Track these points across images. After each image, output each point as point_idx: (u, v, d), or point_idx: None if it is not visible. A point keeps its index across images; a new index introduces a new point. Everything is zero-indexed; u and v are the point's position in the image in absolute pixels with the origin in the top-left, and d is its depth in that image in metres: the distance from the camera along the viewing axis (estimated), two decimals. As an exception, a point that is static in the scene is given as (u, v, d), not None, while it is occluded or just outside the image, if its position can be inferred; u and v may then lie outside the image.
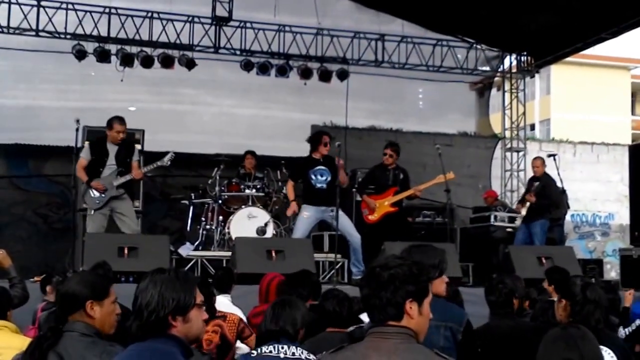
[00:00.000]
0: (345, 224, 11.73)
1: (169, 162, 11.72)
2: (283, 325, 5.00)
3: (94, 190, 11.07)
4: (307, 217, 11.77)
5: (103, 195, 11.04)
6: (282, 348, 4.89)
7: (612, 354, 4.94)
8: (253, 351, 4.99)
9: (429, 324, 4.50)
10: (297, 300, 5.39)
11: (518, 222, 14.73)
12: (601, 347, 4.76)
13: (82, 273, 4.98)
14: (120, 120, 11.37)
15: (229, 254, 11.66)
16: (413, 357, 3.26)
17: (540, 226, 13.63)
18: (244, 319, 7.25)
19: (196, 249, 13.25)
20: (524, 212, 13.96)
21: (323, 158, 11.76)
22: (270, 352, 4.86)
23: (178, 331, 3.50)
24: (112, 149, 11.28)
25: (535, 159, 14.49)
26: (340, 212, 11.51)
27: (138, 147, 13.59)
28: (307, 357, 4.88)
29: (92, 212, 11.15)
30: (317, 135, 12.10)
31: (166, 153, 11.85)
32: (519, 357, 5.18)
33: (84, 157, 11.30)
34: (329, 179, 11.66)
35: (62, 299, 4.26)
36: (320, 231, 13.99)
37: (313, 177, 11.70)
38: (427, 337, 4.39)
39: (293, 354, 4.86)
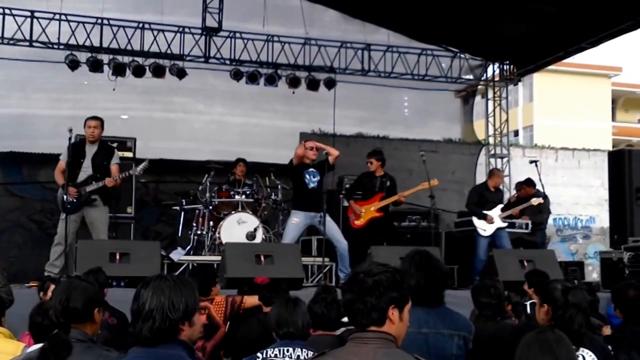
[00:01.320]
0: (333, 230, 11.97)
1: (141, 172, 11.78)
2: (289, 326, 5.07)
3: (67, 196, 11.02)
4: (296, 223, 12.00)
5: (75, 200, 11.01)
6: (288, 351, 4.93)
7: (593, 356, 5.04)
8: (259, 354, 4.95)
9: (443, 333, 4.80)
10: (299, 299, 5.45)
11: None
12: (583, 349, 5.00)
13: (84, 284, 5.00)
14: (94, 117, 11.42)
15: (219, 258, 11.72)
16: None
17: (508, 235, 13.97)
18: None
19: (187, 254, 13.45)
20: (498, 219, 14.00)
21: (314, 161, 12.12)
22: (276, 355, 4.91)
23: (185, 335, 3.57)
24: (90, 151, 11.27)
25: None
26: (328, 218, 11.78)
27: (130, 155, 13.85)
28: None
29: (64, 216, 11.08)
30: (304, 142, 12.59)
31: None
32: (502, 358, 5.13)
33: (62, 159, 11.29)
34: (320, 179, 12.04)
35: (73, 311, 4.29)
36: (308, 236, 14.13)
37: (307, 176, 11.99)
38: (442, 346, 4.66)
39: (298, 357, 4.91)
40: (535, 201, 13.98)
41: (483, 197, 14.06)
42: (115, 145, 14.10)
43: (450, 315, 4.97)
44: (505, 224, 13.81)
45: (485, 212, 13.75)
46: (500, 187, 14.62)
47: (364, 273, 3.47)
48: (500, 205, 13.93)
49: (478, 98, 20.90)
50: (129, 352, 3.67)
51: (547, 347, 3.87)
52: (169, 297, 3.51)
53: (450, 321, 4.86)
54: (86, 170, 11.19)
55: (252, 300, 7.49)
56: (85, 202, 11.14)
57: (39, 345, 4.28)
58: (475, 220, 13.82)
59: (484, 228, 13.71)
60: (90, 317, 4.33)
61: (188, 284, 3.68)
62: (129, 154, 14.35)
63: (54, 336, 4.09)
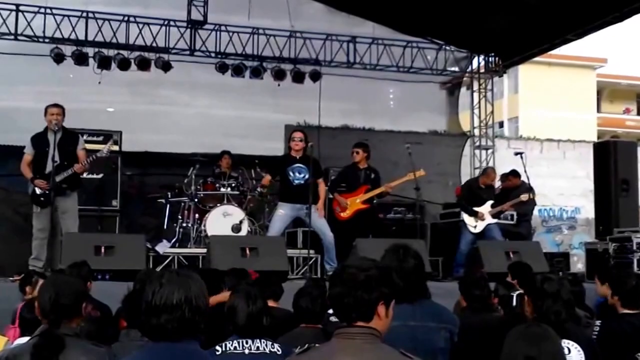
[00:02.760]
0: (319, 222, 12.00)
1: (108, 153, 11.63)
2: (245, 319, 4.97)
3: (38, 188, 10.99)
4: (282, 214, 12.04)
5: (47, 192, 10.90)
6: (247, 343, 4.86)
7: (578, 348, 5.01)
8: (217, 348, 4.84)
9: (430, 326, 4.82)
10: (255, 290, 5.36)
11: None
12: (568, 341, 4.94)
13: (72, 280, 4.94)
14: (55, 104, 11.26)
15: (205, 251, 11.81)
16: (378, 357, 3.34)
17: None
18: None
19: (173, 246, 13.48)
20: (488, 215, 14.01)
21: (301, 156, 12.05)
22: (235, 348, 4.82)
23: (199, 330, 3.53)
24: (54, 139, 10.98)
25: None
26: (314, 210, 11.84)
27: (116, 148, 13.83)
28: (271, 349, 4.87)
29: (39, 209, 11.07)
30: (290, 133, 12.53)
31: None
32: (490, 352, 4.97)
33: (27, 152, 11.23)
34: (306, 176, 11.90)
35: (63, 308, 4.29)
36: (294, 228, 14.12)
37: (291, 174, 11.96)
38: (429, 339, 4.70)
39: (257, 348, 4.84)
40: (524, 197, 13.98)
41: (473, 193, 14.08)
42: (101, 138, 14.16)
43: (436, 308, 5.02)
44: (495, 221, 13.82)
45: (475, 209, 13.76)
46: (492, 184, 14.57)
47: (356, 267, 3.48)
48: (491, 202, 13.93)
49: (463, 90, 20.91)
50: (144, 347, 3.66)
51: (533, 341, 3.87)
52: (194, 292, 3.46)
53: (436, 315, 4.90)
54: (54, 160, 10.90)
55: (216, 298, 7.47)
56: (57, 193, 11.00)
57: (24, 339, 4.31)
58: (465, 216, 13.83)
59: (473, 225, 13.74)
60: (78, 312, 4.35)
61: (200, 280, 3.60)
62: (115, 147, 14.32)
63: (46, 332, 4.15)
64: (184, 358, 3.46)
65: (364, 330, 3.39)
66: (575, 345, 5.03)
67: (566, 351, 4.93)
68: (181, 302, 3.41)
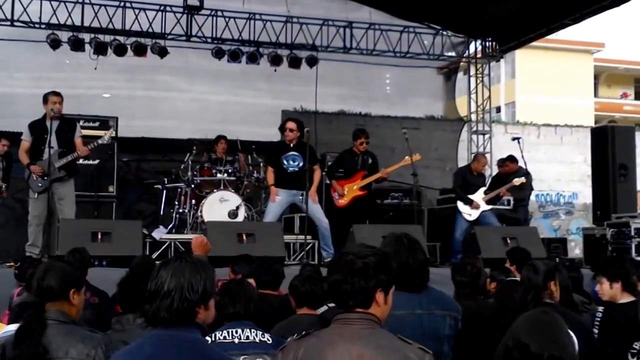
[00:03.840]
0: (314, 208, 11.95)
1: (109, 140, 11.57)
2: (235, 307, 4.97)
3: (34, 174, 10.97)
4: (278, 200, 12.04)
5: (45, 178, 10.88)
6: (237, 332, 4.84)
7: (571, 333, 4.71)
8: (207, 337, 4.63)
9: (435, 314, 4.82)
10: (245, 280, 5.41)
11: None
12: None
13: (60, 263, 4.94)
14: (55, 92, 11.18)
15: (201, 236, 11.82)
16: (377, 343, 3.32)
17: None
18: None
19: (169, 232, 13.41)
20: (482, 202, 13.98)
21: (295, 144, 12.00)
22: (225, 337, 4.80)
23: (200, 318, 3.57)
24: (53, 126, 10.95)
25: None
26: (309, 197, 11.87)
27: (113, 134, 13.80)
28: (262, 339, 4.85)
29: (36, 195, 11.03)
30: (285, 121, 12.43)
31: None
32: (480, 337, 5.22)
33: (25, 139, 11.20)
34: (300, 164, 11.87)
35: (46, 288, 4.30)
36: (291, 214, 14.16)
37: (285, 162, 11.91)
38: (435, 326, 4.72)
39: (247, 337, 4.83)
40: (517, 181, 13.93)
41: (466, 180, 14.05)
42: (97, 124, 14.15)
43: (440, 296, 5.03)
44: (490, 207, 13.80)
45: (470, 197, 13.73)
46: (482, 171, 14.53)
47: (353, 254, 3.48)
48: (483, 189, 13.89)
49: (460, 75, 20.91)
50: (145, 334, 3.69)
51: (536, 328, 3.70)
52: (188, 279, 3.50)
53: (441, 302, 4.93)
54: (52, 147, 10.92)
55: None
56: (55, 179, 10.99)
57: (15, 326, 4.30)
58: (460, 205, 13.81)
59: (469, 213, 13.72)
60: (65, 296, 4.30)
61: (207, 267, 3.69)
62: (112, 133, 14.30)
63: (28, 316, 4.14)
64: (180, 345, 3.48)
65: (362, 316, 3.39)
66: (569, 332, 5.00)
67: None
68: (171, 290, 3.47)
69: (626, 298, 6.23)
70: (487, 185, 14.40)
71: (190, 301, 3.49)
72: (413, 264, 4.79)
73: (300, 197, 11.80)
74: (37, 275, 4.43)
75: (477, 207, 13.61)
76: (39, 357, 4.01)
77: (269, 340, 4.84)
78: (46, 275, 4.35)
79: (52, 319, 4.17)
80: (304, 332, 3.51)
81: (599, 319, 6.23)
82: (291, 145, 12.01)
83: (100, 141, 11.31)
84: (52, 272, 4.36)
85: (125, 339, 4.44)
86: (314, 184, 12.02)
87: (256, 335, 4.85)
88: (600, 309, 6.35)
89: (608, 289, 6.28)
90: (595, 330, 6.09)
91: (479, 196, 13.69)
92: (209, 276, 3.62)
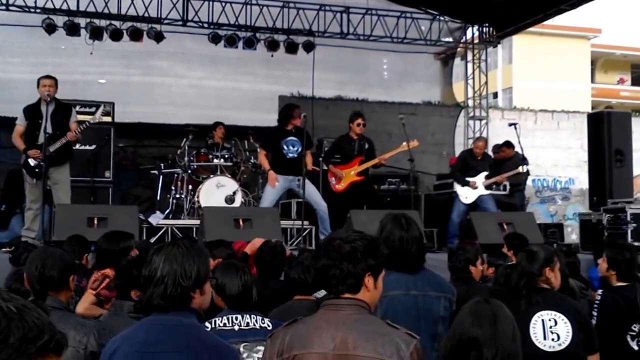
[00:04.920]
0: (312, 193, 11.92)
1: (100, 119, 11.53)
2: (233, 294, 4.91)
3: (31, 159, 10.87)
4: (275, 186, 12.06)
5: (41, 163, 10.73)
6: (237, 319, 4.80)
7: (565, 319, 5.04)
8: (207, 324, 4.65)
9: (431, 295, 4.85)
10: (239, 264, 5.30)
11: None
12: (554, 312, 5.03)
13: (57, 250, 4.84)
14: (47, 76, 11.08)
15: (198, 222, 11.75)
16: (363, 328, 3.31)
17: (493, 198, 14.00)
18: None
19: (166, 218, 13.41)
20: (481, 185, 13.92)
21: (295, 129, 11.99)
22: (225, 324, 4.76)
23: (195, 303, 3.59)
24: (48, 111, 10.80)
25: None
26: (307, 182, 11.72)
27: (109, 120, 13.78)
28: (262, 324, 4.81)
29: (34, 181, 10.95)
30: (290, 109, 12.26)
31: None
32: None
33: (19, 123, 11.10)
34: (299, 149, 11.84)
35: (49, 279, 4.31)
36: (288, 199, 14.15)
37: (285, 147, 11.86)
38: (430, 308, 4.75)
39: (247, 324, 4.80)
40: (522, 169, 13.94)
41: (466, 164, 14.02)
42: (93, 109, 14.10)
43: (436, 278, 5.07)
44: (488, 192, 13.77)
45: (468, 179, 13.71)
46: (482, 155, 14.49)
47: (341, 239, 3.47)
48: (485, 173, 13.85)
49: (457, 60, 20.91)
50: (142, 319, 3.70)
51: (480, 318, 3.53)
52: (181, 264, 3.52)
53: (436, 284, 4.96)
54: (46, 131, 10.74)
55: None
56: (50, 164, 10.87)
57: None
58: (457, 187, 13.80)
59: (465, 195, 13.70)
60: (66, 284, 4.33)
61: (201, 251, 3.71)
62: (108, 119, 14.25)
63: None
64: (173, 329, 3.50)
65: (351, 302, 3.39)
66: (562, 316, 5.06)
67: (552, 322, 5.03)
68: (164, 276, 3.50)
69: (623, 281, 6.26)
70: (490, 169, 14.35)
71: (184, 287, 3.50)
72: (409, 243, 4.81)
73: (297, 183, 11.77)
74: (35, 263, 4.42)
75: (474, 186, 13.59)
76: None
77: (269, 326, 4.80)
78: (47, 265, 4.34)
79: (49, 306, 4.13)
80: (292, 319, 3.53)
81: (597, 302, 6.25)
82: (291, 130, 11.97)
83: (91, 121, 11.26)
84: (53, 261, 4.36)
85: (115, 325, 4.41)
86: (306, 168, 11.95)
87: (256, 321, 4.82)
88: (600, 291, 6.38)
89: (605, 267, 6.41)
90: (594, 314, 6.11)
91: (479, 179, 13.68)
92: (203, 261, 3.64)
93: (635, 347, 5.96)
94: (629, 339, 5.98)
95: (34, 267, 4.38)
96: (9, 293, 1.69)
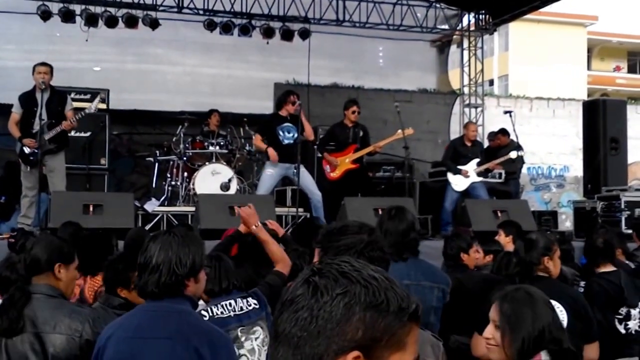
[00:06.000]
0: (307, 181, 11.92)
1: (96, 109, 11.52)
2: (225, 281, 4.99)
3: (26, 147, 10.91)
4: (270, 174, 11.96)
5: (36, 151, 10.79)
6: (231, 305, 4.88)
7: (560, 307, 5.02)
8: (204, 313, 4.77)
9: (424, 285, 4.90)
10: (222, 256, 5.32)
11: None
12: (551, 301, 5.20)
13: (49, 236, 4.97)
14: (43, 63, 11.07)
15: (194, 209, 11.78)
16: None
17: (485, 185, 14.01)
18: None
19: (162, 205, 13.41)
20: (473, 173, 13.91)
21: (290, 115, 11.95)
22: (222, 312, 4.83)
23: (190, 291, 3.66)
24: (43, 98, 10.82)
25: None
26: (302, 169, 11.74)
27: (104, 107, 13.77)
28: (250, 305, 4.90)
29: (28, 169, 10.97)
30: (285, 95, 12.21)
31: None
32: (469, 307, 5.30)
33: (15, 111, 11.12)
34: (295, 135, 11.80)
35: (31, 260, 4.28)
36: (283, 186, 14.18)
37: (281, 133, 11.83)
38: (423, 297, 4.71)
39: (241, 308, 4.89)
40: (514, 154, 13.95)
41: (457, 152, 14.01)
42: (88, 96, 14.10)
43: (428, 268, 5.15)
44: (480, 179, 13.77)
45: (460, 167, 13.71)
46: (478, 139, 14.49)
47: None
48: (477, 160, 13.85)
49: (453, 48, 20.91)
50: (137, 306, 3.79)
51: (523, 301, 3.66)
52: (176, 253, 3.60)
53: (430, 274, 5.03)
54: (42, 119, 10.82)
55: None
56: (46, 151, 10.93)
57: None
58: (449, 175, 13.80)
59: (457, 183, 13.70)
60: (51, 269, 4.27)
61: (196, 240, 3.77)
62: (103, 106, 14.25)
63: (14, 287, 4.17)
64: (167, 315, 3.57)
65: None
66: (557, 304, 4.98)
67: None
68: (159, 264, 3.56)
69: (608, 267, 6.32)
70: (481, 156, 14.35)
71: (178, 275, 3.57)
72: (399, 234, 4.83)
73: (293, 171, 11.76)
74: (25, 250, 4.41)
75: (465, 175, 13.59)
76: (20, 330, 4.02)
77: (256, 305, 4.91)
78: (33, 249, 4.33)
79: (41, 293, 4.17)
80: None
81: (582, 290, 6.31)
82: (287, 116, 11.97)
83: (87, 111, 11.24)
84: (39, 246, 4.34)
85: (104, 316, 4.42)
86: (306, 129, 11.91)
87: (246, 302, 4.91)
88: (583, 283, 6.45)
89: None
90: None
91: (470, 167, 13.67)
92: (198, 250, 3.69)
93: (623, 331, 6.02)
94: (616, 322, 6.03)
95: (24, 252, 4.39)
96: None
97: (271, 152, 11.83)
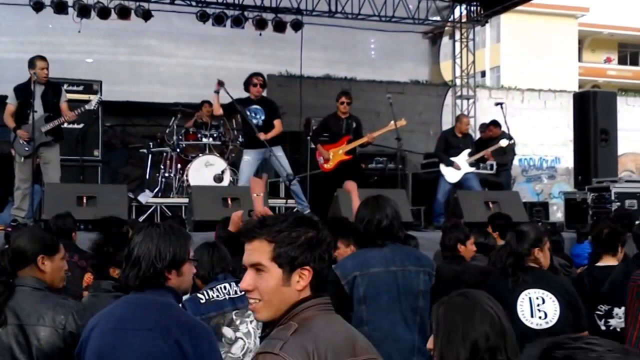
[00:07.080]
0: (282, 162, 11.80)
1: (96, 106, 11.66)
2: (219, 267, 5.13)
3: (21, 139, 10.86)
4: (247, 160, 11.85)
5: (31, 143, 10.76)
6: (225, 289, 5.02)
7: (553, 297, 5.09)
8: (200, 296, 4.97)
9: (410, 270, 4.93)
10: (217, 243, 5.45)
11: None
12: (542, 291, 5.11)
13: (33, 228, 4.95)
14: (42, 57, 11.06)
15: (187, 200, 11.80)
16: None
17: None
18: None
19: (155, 196, 13.49)
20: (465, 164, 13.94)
21: (258, 99, 11.97)
22: (217, 295, 4.97)
23: (172, 283, 3.65)
24: (38, 91, 10.87)
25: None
26: (280, 153, 11.77)
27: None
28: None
29: (22, 159, 10.92)
30: (249, 77, 12.21)
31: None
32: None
33: (11, 102, 11.07)
34: (263, 117, 11.79)
35: (14, 253, 4.23)
36: (276, 178, 14.23)
37: (247, 113, 11.78)
38: (410, 282, 4.90)
39: (236, 292, 5.00)
40: (504, 142, 14.01)
41: (448, 143, 14.05)
42: (81, 88, 14.09)
43: (413, 253, 5.23)
44: (473, 170, 13.82)
45: (452, 159, 13.75)
46: (469, 131, 14.54)
47: None
48: (468, 151, 13.88)
49: (445, 39, 20.95)
50: (121, 297, 3.79)
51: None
52: (156, 245, 3.61)
53: (414, 259, 5.09)
54: (38, 111, 10.84)
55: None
56: (41, 143, 10.93)
57: None
58: (442, 167, 13.83)
59: (450, 174, 13.74)
60: (34, 261, 4.25)
61: (180, 233, 3.76)
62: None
63: None
64: (148, 307, 3.60)
65: None
66: (550, 294, 5.12)
67: (540, 301, 5.09)
68: (139, 257, 3.60)
69: (610, 261, 6.35)
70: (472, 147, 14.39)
71: (157, 268, 3.59)
72: (381, 221, 4.96)
73: (270, 153, 11.73)
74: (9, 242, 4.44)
75: (457, 168, 13.63)
76: (2, 322, 4.03)
77: None
78: (16, 241, 4.32)
79: (26, 285, 4.17)
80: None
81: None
82: (254, 99, 11.96)
83: (87, 106, 11.33)
84: (23, 238, 4.33)
85: (96, 306, 4.44)
86: (271, 132, 11.90)
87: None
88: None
89: None
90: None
91: (462, 158, 13.71)
92: (181, 242, 3.70)
93: (603, 327, 6.06)
94: (596, 319, 6.08)
95: (10, 246, 4.37)
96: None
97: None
